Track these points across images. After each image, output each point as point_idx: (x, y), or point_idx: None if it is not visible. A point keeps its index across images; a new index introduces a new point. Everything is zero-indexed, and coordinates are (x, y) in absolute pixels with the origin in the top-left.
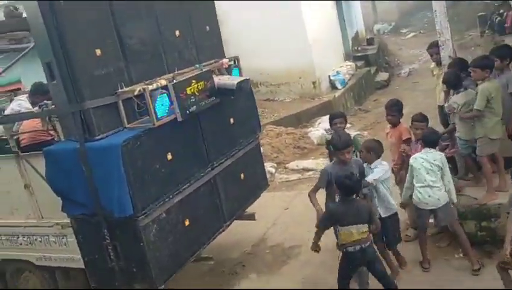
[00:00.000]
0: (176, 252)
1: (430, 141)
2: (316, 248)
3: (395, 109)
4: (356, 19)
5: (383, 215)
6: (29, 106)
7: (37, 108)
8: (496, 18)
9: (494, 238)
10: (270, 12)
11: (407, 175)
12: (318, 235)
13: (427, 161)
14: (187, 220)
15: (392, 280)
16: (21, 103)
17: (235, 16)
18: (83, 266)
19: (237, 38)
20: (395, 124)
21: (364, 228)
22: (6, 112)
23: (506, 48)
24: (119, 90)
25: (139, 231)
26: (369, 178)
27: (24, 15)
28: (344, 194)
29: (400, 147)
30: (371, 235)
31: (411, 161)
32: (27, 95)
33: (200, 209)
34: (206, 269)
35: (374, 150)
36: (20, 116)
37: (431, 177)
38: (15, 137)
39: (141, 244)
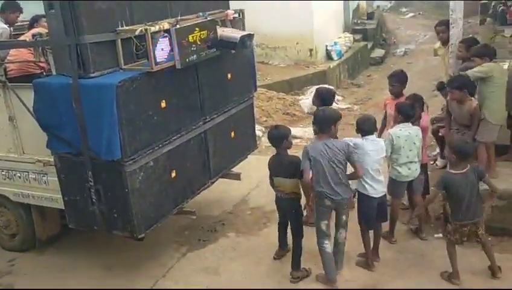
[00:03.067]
0: (160, 202)
1: (407, 114)
2: None
3: (395, 80)
4: None
5: None
6: (3, 25)
7: (30, 37)
8: (499, 7)
9: None
10: None
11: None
12: (271, 185)
13: (410, 138)
14: (174, 171)
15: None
16: None
17: None
18: (62, 207)
19: None
20: (396, 95)
21: (284, 181)
22: None
23: None
24: (120, 28)
25: (124, 177)
26: None
27: None
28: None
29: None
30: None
31: (393, 137)
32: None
33: (187, 162)
34: (185, 223)
35: None
36: (12, 44)
37: (413, 153)
38: (2, 66)
39: (126, 190)
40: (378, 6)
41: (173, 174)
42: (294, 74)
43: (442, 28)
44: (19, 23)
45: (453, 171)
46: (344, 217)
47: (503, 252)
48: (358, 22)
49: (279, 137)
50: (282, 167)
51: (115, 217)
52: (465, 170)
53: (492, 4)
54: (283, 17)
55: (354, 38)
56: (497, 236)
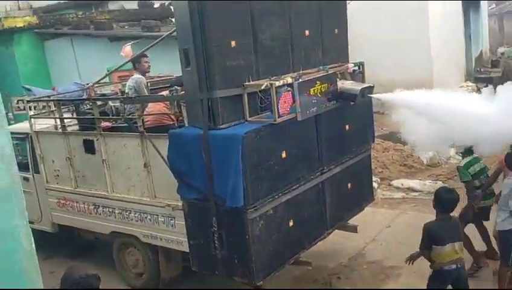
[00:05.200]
0: (278, 251)
1: None
2: (410, 260)
3: None
4: (482, 37)
5: None
6: (139, 75)
7: (167, 92)
8: None
9: None
10: (396, 20)
11: None
12: (419, 255)
13: None
14: (292, 220)
15: None
16: (135, 78)
17: (360, 22)
18: (186, 250)
19: (359, 46)
20: None
21: (461, 246)
22: (126, 89)
23: None
24: (247, 83)
25: (246, 224)
26: None
27: (155, 5)
28: (441, 210)
29: None
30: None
31: None
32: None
33: (305, 212)
34: (300, 273)
35: None
36: (151, 98)
37: None
38: (141, 118)
39: (246, 237)
40: (503, 53)
41: (291, 223)
42: None
43: None
44: (155, 79)
45: None
46: None
47: None
48: (482, 70)
49: (456, 201)
50: (458, 231)
51: (235, 263)
52: None
53: None
54: (401, 65)
55: (477, 87)
56: None
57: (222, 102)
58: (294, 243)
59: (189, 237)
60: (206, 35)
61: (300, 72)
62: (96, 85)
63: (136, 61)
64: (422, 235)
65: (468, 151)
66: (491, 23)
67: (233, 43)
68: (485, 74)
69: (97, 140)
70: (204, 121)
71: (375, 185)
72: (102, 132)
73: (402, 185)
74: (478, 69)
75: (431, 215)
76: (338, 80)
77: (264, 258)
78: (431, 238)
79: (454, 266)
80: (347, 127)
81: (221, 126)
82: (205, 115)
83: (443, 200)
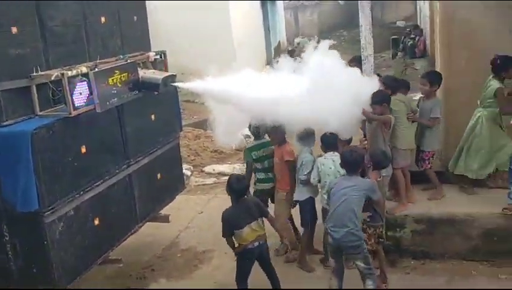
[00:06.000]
0: (83, 253)
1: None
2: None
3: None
4: (280, 29)
5: None
6: None
7: None
8: (409, 42)
9: (398, 247)
10: (198, 12)
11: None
12: (230, 244)
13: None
14: (97, 219)
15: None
16: None
17: (162, 13)
18: None
19: (163, 36)
20: (279, 143)
21: (258, 224)
22: None
23: (437, 73)
24: (34, 73)
25: (43, 229)
26: None
27: None
28: (235, 197)
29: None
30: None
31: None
32: None
33: (112, 208)
34: (112, 272)
35: None
36: None
37: None
38: None
39: (45, 242)
40: (298, 43)
41: (96, 222)
42: None
43: (353, 64)
44: None
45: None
46: None
47: (425, 274)
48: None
49: (246, 187)
50: (252, 212)
51: (33, 273)
52: None
53: (402, 39)
54: (206, 55)
55: None
56: (418, 259)
57: (5, 95)
58: (101, 242)
59: None
60: None
61: (97, 61)
62: None
63: None
64: (222, 224)
65: (257, 135)
66: (287, 16)
67: (14, 30)
68: None
69: None
70: None
71: (188, 172)
72: None
73: (213, 170)
74: (277, 58)
75: None
76: (140, 69)
77: (67, 263)
78: (230, 225)
79: (256, 243)
80: (153, 117)
81: (6, 123)
82: None
83: (234, 188)
